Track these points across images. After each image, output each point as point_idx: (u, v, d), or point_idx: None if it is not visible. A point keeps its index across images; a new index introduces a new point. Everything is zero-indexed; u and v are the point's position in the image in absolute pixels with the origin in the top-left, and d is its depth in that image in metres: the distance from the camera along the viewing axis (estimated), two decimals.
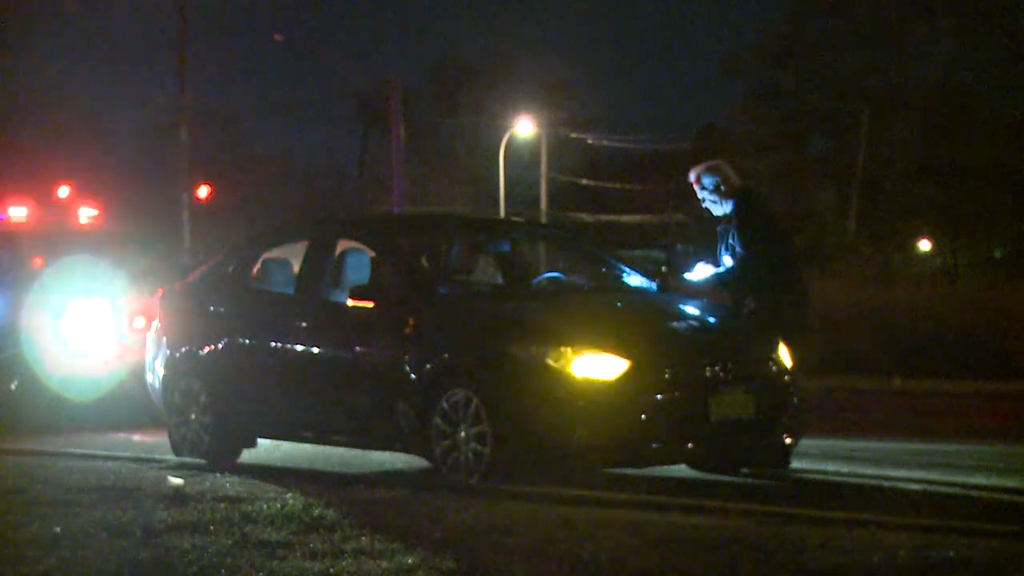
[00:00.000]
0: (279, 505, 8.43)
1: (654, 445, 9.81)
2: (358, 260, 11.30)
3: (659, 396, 9.74)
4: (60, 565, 6.94)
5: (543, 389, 9.69)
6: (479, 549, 7.23)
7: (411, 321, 10.44)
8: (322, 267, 11.32)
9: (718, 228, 11.19)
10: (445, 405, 9.99)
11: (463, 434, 9.89)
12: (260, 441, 11.90)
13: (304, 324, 11.15)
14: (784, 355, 10.45)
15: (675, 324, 10.42)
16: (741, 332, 10.59)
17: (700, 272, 11.12)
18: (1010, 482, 10.53)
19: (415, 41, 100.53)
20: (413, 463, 11.07)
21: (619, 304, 11.00)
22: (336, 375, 10.91)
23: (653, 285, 11.30)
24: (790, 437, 10.48)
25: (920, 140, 50.93)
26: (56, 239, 16.59)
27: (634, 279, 11.43)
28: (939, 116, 50.42)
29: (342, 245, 11.49)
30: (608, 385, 9.66)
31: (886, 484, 10.49)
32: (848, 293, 29.74)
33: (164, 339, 12.31)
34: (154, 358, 12.43)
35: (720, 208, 11.13)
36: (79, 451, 12.21)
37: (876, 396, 21.09)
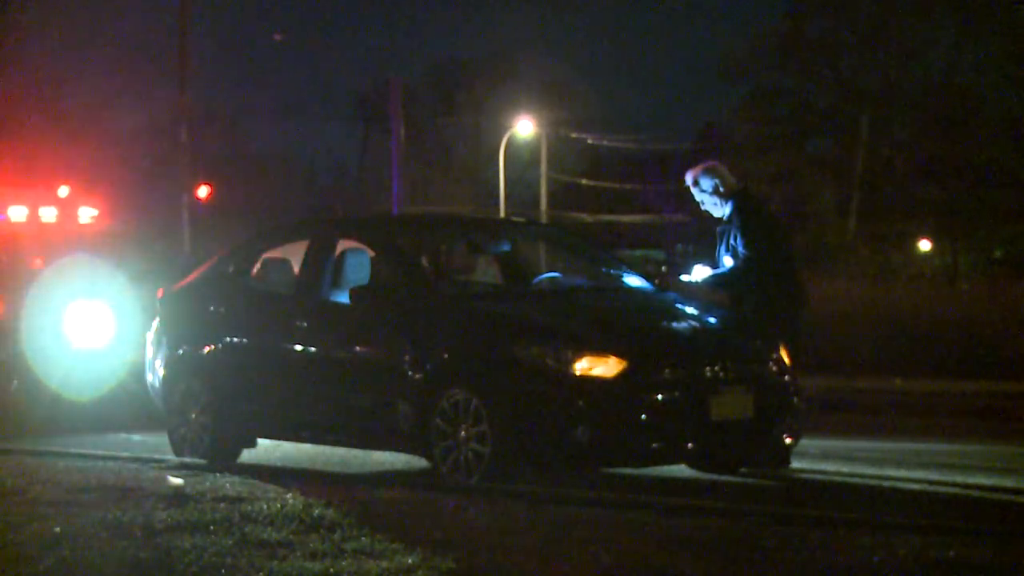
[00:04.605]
0: (279, 505, 8.43)
1: (654, 445, 9.81)
2: (358, 260, 11.30)
3: (659, 396, 9.74)
4: (60, 565, 6.93)
5: (543, 389, 9.69)
6: (479, 549, 7.23)
7: (411, 321, 10.44)
8: (322, 267, 11.32)
9: (717, 229, 11.20)
10: (445, 405, 9.99)
11: (463, 434, 9.89)
12: (260, 441, 11.90)
13: (304, 324, 11.15)
14: (784, 355, 10.45)
15: (675, 324, 10.42)
16: (741, 332, 10.59)
17: (698, 274, 11.12)
18: (1010, 482, 10.54)
19: (415, 41, 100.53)
20: (413, 463, 11.07)
21: (619, 304, 11.00)
22: (336, 375, 10.91)
23: (652, 285, 11.30)
24: (790, 437, 10.48)
25: (920, 140, 50.92)
26: (56, 239, 16.58)
27: (634, 279, 11.42)
28: (939, 116, 50.41)
29: (342, 245, 11.49)
30: (608, 385, 9.65)
31: (886, 484, 10.49)
32: (848, 293, 29.73)
33: (164, 339, 12.31)
34: (154, 358, 12.43)
35: (720, 209, 11.13)
36: (79, 451, 12.19)
37: (876, 396, 21.07)
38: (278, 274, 11.85)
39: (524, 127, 52.86)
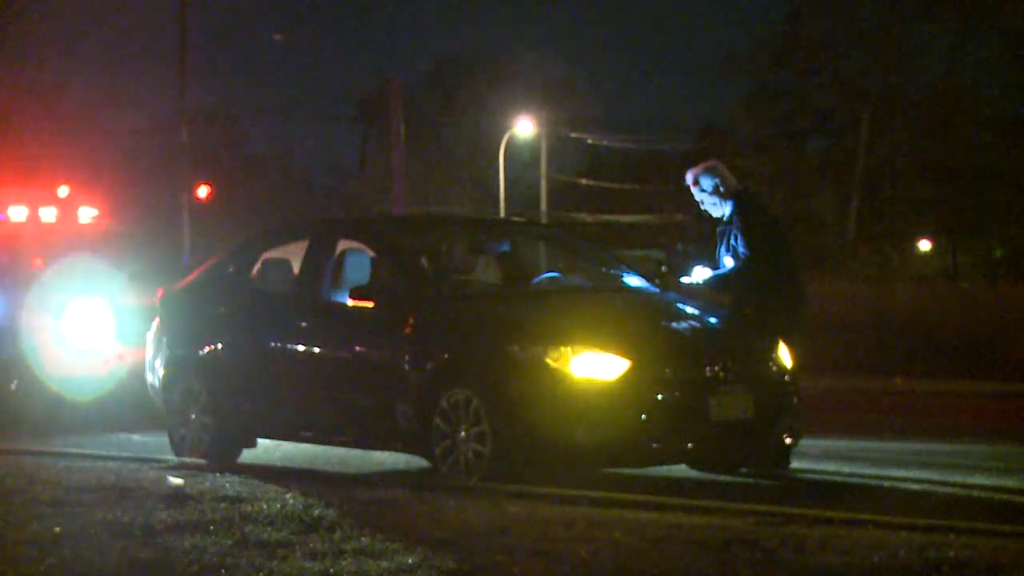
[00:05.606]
0: (279, 505, 8.43)
1: (654, 445, 9.81)
2: (358, 260, 11.30)
3: (659, 396, 9.74)
4: (60, 565, 6.93)
5: (543, 389, 9.69)
6: (479, 549, 7.22)
7: (411, 321, 10.45)
8: (322, 267, 11.32)
9: (717, 229, 11.19)
10: (445, 405, 10.00)
11: (463, 434, 9.89)
12: (260, 441, 11.91)
13: (304, 324, 11.15)
14: (784, 355, 10.45)
15: (675, 324, 10.42)
16: (741, 332, 10.59)
17: (699, 274, 11.12)
18: (1010, 482, 10.54)
19: (415, 41, 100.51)
20: (413, 463, 11.06)
21: (619, 304, 11.00)
22: (336, 375, 10.91)
23: (652, 285, 11.30)
24: (790, 437, 10.49)
25: (920, 140, 50.94)
26: (56, 239, 16.58)
27: (634, 279, 11.43)
28: (939, 116, 50.43)
29: (342, 245, 11.49)
30: (608, 385, 9.66)
31: (886, 484, 10.49)
32: (848, 293, 29.77)
33: (164, 339, 12.32)
34: (154, 358, 12.43)
35: (719, 209, 11.12)
36: (79, 451, 12.19)
37: (876, 396, 21.09)
38: (278, 274, 11.85)
39: (524, 127, 52.86)
